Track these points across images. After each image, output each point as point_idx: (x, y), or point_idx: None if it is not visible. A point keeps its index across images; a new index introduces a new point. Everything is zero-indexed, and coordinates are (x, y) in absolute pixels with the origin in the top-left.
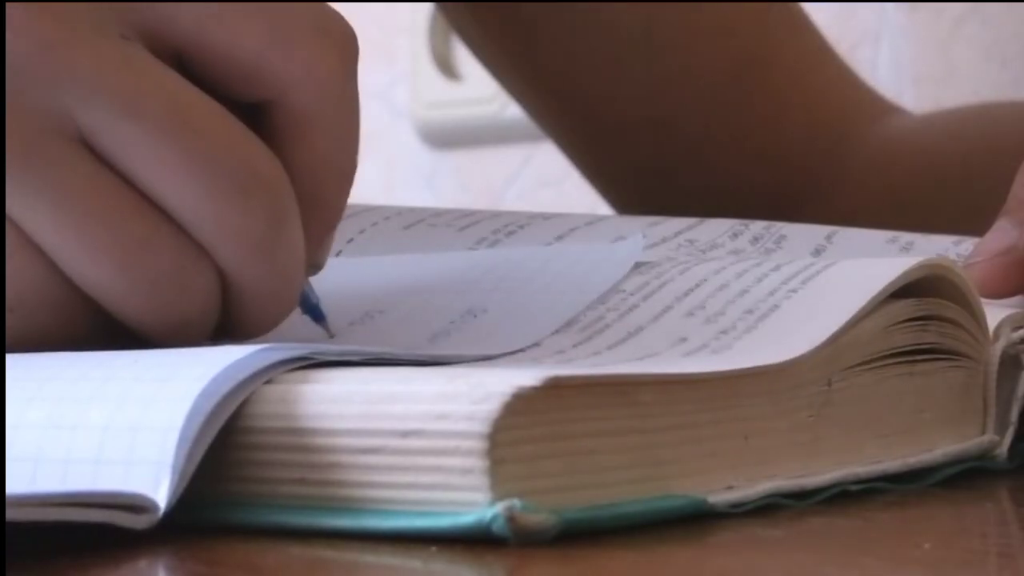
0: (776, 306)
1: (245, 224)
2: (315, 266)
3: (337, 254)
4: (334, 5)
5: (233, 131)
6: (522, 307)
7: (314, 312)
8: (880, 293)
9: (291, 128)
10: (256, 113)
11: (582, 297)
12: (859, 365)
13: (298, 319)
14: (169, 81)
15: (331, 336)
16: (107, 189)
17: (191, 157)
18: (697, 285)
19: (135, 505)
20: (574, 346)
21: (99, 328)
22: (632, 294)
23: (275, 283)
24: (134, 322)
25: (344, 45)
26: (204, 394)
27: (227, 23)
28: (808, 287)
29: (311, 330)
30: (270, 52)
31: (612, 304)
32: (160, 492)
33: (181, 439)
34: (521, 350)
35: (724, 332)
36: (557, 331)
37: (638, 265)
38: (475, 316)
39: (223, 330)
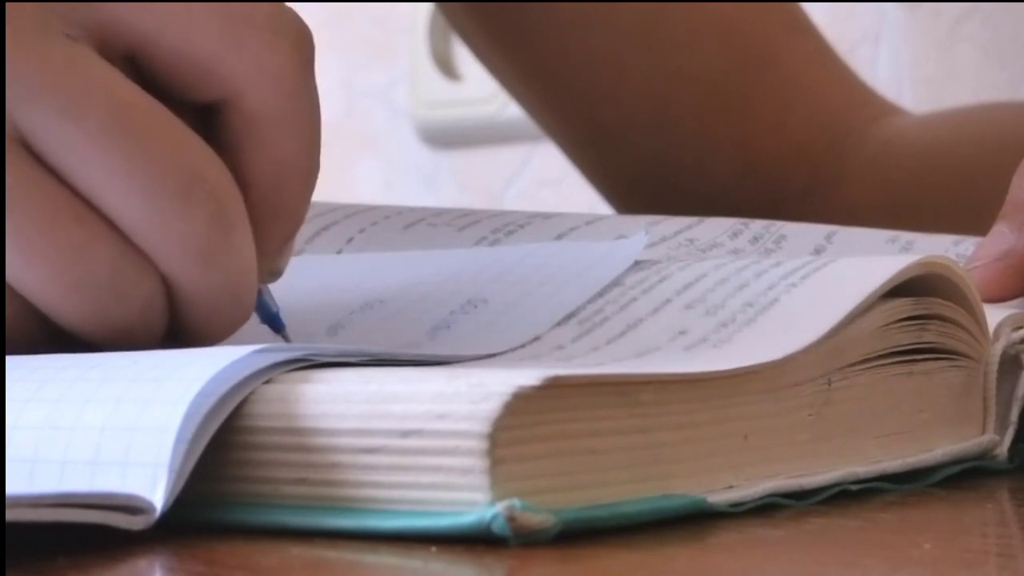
0: (776, 300)
1: (187, 230)
2: (273, 273)
3: (338, 253)
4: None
5: (177, 133)
6: (522, 299)
7: (273, 322)
8: (877, 290)
9: (246, 129)
10: (211, 116)
11: (582, 291)
12: (859, 364)
13: (265, 329)
14: (112, 82)
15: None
16: (44, 192)
17: (132, 160)
18: (697, 279)
19: (132, 506)
20: (573, 340)
21: (48, 334)
22: (632, 288)
23: (223, 291)
24: (74, 328)
25: (299, 41)
26: (201, 395)
27: (180, 22)
28: (807, 282)
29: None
30: (222, 50)
31: (611, 297)
32: (156, 493)
33: (178, 441)
34: (521, 346)
35: (724, 325)
36: (557, 324)
37: (638, 263)
38: (475, 306)
39: (175, 337)
